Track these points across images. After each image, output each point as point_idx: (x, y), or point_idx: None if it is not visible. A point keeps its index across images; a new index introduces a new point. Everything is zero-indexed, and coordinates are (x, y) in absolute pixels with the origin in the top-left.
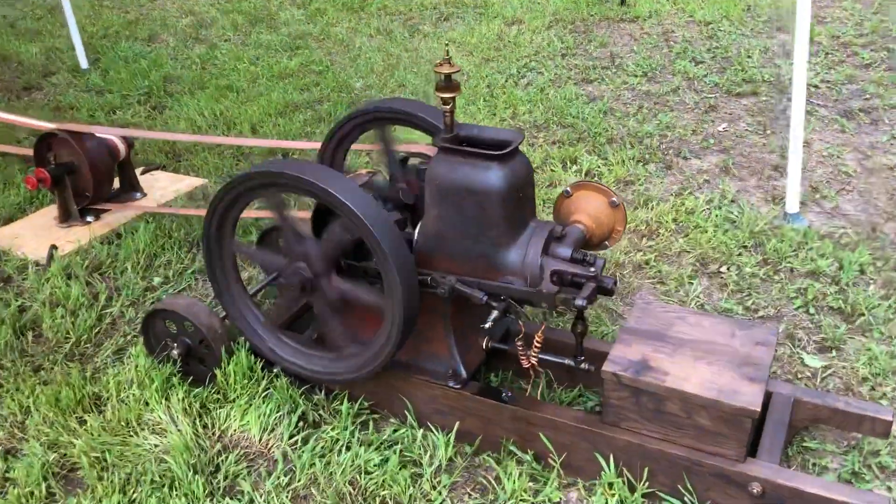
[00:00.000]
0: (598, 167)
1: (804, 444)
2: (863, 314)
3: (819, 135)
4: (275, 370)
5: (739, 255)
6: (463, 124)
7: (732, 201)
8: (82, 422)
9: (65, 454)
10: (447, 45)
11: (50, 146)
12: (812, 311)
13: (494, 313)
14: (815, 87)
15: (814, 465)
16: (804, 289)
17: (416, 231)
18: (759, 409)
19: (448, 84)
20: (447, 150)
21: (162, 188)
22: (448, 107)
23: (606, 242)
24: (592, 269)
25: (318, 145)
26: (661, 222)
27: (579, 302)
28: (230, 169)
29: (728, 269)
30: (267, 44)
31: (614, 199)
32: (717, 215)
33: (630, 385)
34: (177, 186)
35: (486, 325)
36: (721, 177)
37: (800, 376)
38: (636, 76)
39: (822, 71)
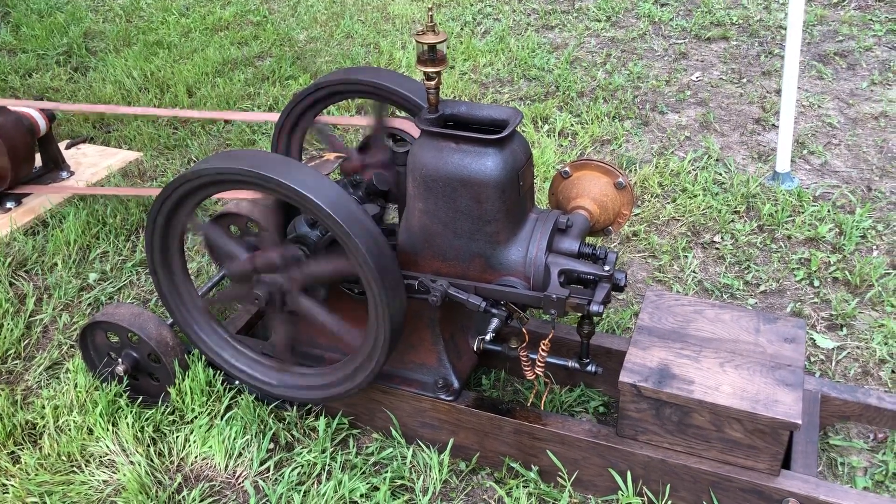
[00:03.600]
0: (572, 125)
1: (828, 441)
2: (871, 285)
3: (796, 82)
4: (236, 384)
5: (732, 221)
6: (448, 101)
7: (718, 160)
8: (15, 459)
9: None
10: (430, 9)
11: None
12: (816, 283)
13: (495, 322)
14: (786, 29)
15: (841, 464)
16: (806, 259)
17: (399, 227)
18: (800, 421)
19: (433, 56)
20: (433, 133)
21: (91, 164)
22: (433, 83)
23: (610, 228)
24: (607, 268)
25: (265, 116)
26: (645, 187)
27: (595, 308)
28: (166, 140)
29: (722, 238)
30: None
31: (620, 179)
32: (704, 177)
33: (652, 397)
34: (108, 162)
35: (487, 337)
36: (702, 133)
37: (812, 359)
38: (599, 21)
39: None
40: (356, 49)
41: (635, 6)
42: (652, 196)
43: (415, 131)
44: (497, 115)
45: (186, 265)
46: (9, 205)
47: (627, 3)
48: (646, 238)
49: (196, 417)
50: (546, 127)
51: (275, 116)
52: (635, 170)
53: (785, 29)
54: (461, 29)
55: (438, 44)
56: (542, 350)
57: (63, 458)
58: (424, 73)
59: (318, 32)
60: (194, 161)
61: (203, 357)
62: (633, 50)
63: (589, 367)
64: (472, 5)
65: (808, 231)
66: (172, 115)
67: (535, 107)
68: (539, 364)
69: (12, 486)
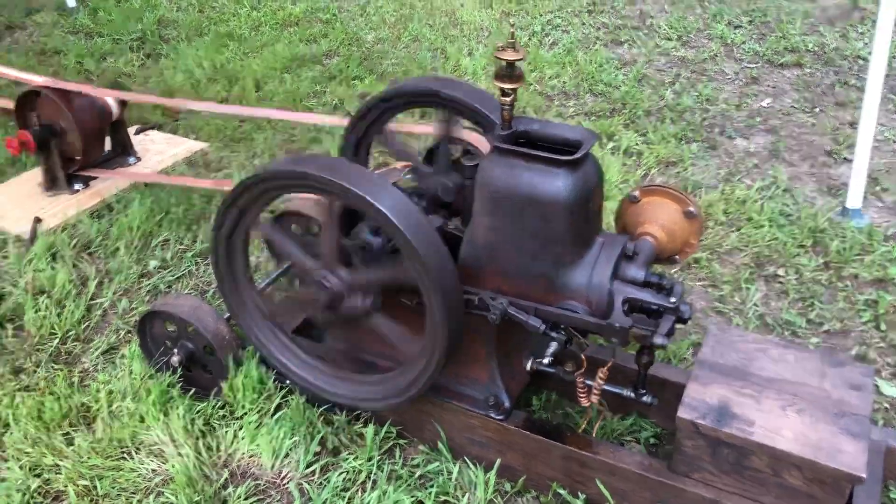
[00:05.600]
0: (638, 145)
1: (889, 495)
2: None
3: (876, 115)
4: (287, 384)
5: (797, 255)
6: (521, 117)
7: (786, 191)
8: (69, 440)
9: (48, 480)
10: (512, 26)
11: (33, 105)
12: (883, 327)
13: (553, 346)
14: (864, 59)
15: None
16: (873, 300)
17: (463, 241)
18: (865, 475)
19: (510, 72)
20: (505, 150)
21: (158, 152)
22: (508, 99)
23: (677, 257)
24: (673, 300)
25: (334, 120)
26: (710, 213)
27: (660, 341)
28: (233, 132)
29: (786, 271)
30: None
31: (691, 207)
32: (770, 208)
33: (710, 435)
34: (175, 150)
35: (545, 360)
36: (771, 161)
37: (875, 407)
38: (670, 39)
39: (871, 42)
40: (423, 53)
41: (708, 27)
42: (716, 223)
43: (484, 146)
44: (571, 135)
45: (249, 264)
46: (77, 186)
47: (700, 24)
48: (707, 266)
49: (246, 414)
50: (611, 144)
51: (342, 122)
52: (700, 195)
53: (863, 59)
54: (529, 39)
55: (517, 61)
56: (600, 378)
57: (115, 443)
58: (501, 89)
59: (386, 34)
60: (259, 155)
61: (258, 355)
62: (704, 71)
63: (644, 398)
64: (541, 16)
65: (877, 272)
66: (243, 115)
67: (601, 123)
68: (595, 392)
69: (65, 467)
